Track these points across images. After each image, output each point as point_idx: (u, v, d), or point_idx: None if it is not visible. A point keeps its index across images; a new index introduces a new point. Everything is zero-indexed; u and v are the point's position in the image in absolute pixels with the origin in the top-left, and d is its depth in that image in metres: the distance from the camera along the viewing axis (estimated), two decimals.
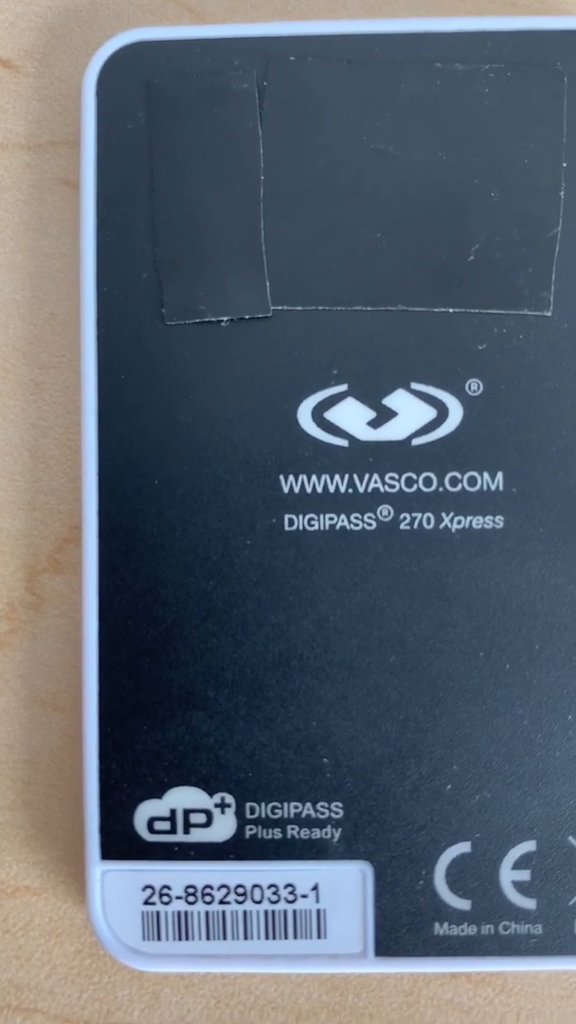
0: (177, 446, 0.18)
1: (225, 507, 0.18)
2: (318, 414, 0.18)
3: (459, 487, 0.18)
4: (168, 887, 0.18)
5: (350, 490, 0.18)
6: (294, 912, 0.18)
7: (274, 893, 0.18)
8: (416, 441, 0.18)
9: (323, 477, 0.18)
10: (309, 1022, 0.19)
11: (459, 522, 0.18)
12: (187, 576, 0.18)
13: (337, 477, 0.18)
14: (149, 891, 0.18)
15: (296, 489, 0.18)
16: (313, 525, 0.18)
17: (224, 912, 0.18)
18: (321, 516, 0.18)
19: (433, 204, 0.18)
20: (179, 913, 0.18)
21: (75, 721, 0.19)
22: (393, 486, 0.18)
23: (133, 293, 0.18)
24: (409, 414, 0.18)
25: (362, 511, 0.18)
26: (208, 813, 0.18)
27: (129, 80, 0.18)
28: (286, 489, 0.18)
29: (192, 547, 0.18)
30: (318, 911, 0.18)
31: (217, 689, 0.18)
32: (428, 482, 0.18)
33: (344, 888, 0.18)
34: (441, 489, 0.18)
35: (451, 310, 0.18)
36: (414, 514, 0.18)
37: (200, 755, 0.18)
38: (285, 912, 0.18)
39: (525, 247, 0.18)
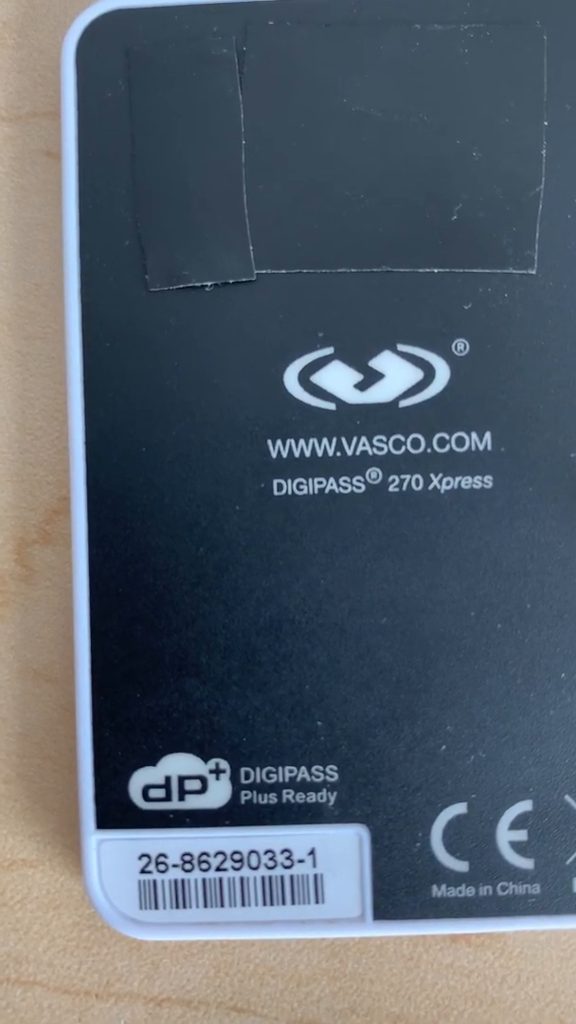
0: (164, 413, 0.18)
1: (213, 473, 0.18)
2: (305, 378, 0.18)
3: (447, 448, 0.18)
4: (164, 855, 0.18)
5: (338, 453, 0.18)
6: (291, 877, 0.18)
7: (271, 859, 0.18)
8: (403, 403, 0.18)
9: (311, 441, 0.18)
10: (309, 988, 0.19)
11: (448, 483, 0.18)
12: (177, 543, 0.18)
13: (325, 441, 0.18)
14: (145, 860, 0.18)
15: (284, 454, 0.18)
16: (302, 489, 0.18)
17: (221, 879, 0.18)
18: (310, 480, 0.18)
19: (415, 165, 0.18)
20: (176, 881, 0.18)
21: (68, 692, 0.19)
22: (381, 448, 0.18)
23: (116, 261, 0.18)
24: (396, 376, 0.18)
25: (351, 474, 0.18)
26: (203, 779, 0.18)
27: (108, 49, 0.18)
28: (274, 454, 0.18)
29: (181, 514, 0.18)
30: (315, 876, 0.18)
31: (209, 655, 0.18)
32: (416, 444, 0.18)
33: (341, 852, 0.18)
34: (429, 450, 0.18)
35: (436, 270, 0.18)
36: (403, 476, 0.18)
37: (194, 721, 0.18)
38: (282, 878, 0.18)
39: (508, 206, 0.18)
